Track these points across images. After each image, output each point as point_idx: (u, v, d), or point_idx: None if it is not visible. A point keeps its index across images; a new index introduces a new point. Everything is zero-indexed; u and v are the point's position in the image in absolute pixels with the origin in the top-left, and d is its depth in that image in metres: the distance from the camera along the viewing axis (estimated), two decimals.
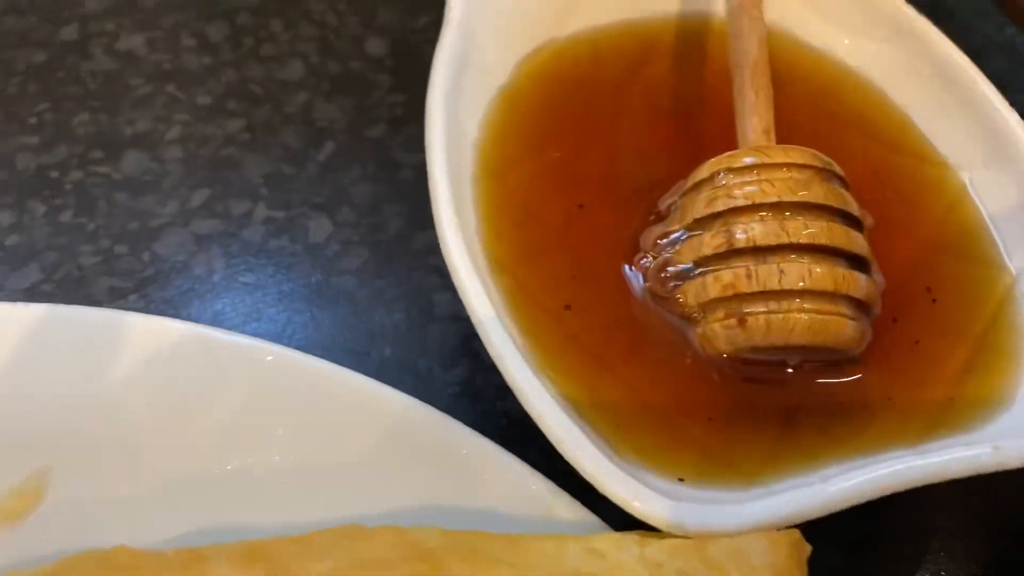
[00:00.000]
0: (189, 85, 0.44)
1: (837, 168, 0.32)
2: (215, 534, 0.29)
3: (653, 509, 0.25)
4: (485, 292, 0.29)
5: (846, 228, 0.31)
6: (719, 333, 0.30)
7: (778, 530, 0.25)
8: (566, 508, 0.28)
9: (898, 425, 0.29)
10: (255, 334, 0.36)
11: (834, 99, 0.38)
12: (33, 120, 0.43)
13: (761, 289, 0.30)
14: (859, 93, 0.38)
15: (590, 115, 0.38)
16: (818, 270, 0.30)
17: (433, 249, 0.39)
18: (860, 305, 0.30)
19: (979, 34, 0.48)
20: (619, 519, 0.27)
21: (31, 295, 0.37)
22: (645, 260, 0.33)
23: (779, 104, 0.34)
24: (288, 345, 0.35)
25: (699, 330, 0.31)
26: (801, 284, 0.29)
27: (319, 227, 0.40)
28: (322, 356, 0.35)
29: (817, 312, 0.29)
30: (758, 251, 0.30)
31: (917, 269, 0.33)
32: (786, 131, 0.34)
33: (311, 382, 0.30)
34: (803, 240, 0.30)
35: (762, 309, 0.30)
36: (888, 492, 0.26)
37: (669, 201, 0.34)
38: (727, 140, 0.34)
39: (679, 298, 0.31)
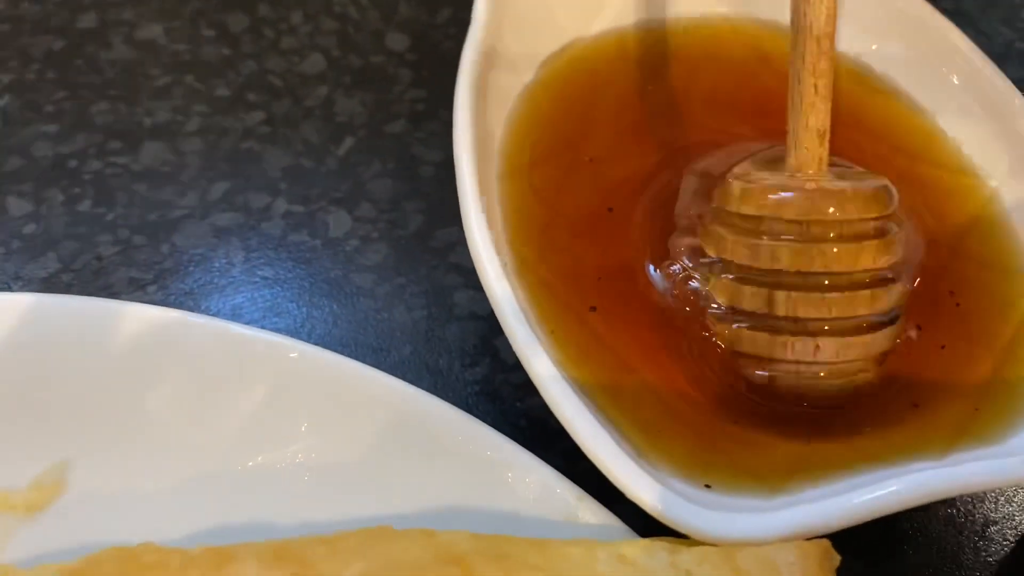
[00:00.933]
0: (208, 76, 0.44)
1: (894, 204, 0.31)
2: (236, 531, 0.29)
3: (682, 516, 0.25)
4: (511, 291, 0.29)
5: (888, 290, 0.30)
6: (747, 376, 0.31)
7: (807, 539, 0.25)
8: (590, 512, 0.27)
9: (923, 434, 0.29)
10: (275, 328, 0.36)
11: (860, 105, 0.38)
12: (51, 108, 0.42)
13: (796, 359, 0.30)
14: (885, 99, 0.38)
15: (616, 116, 0.37)
16: (851, 344, 0.30)
17: (453, 246, 0.39)
18: (882, 357, 0.31)
19: (1000, 40, 0.48)
20: (641, 524, 0.27)
21: (49, 285, 0.37)
22: (675, 268, 0.32)
23: None
24: (307, 340, 0.35)
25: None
26: (833, 358, 0.30)
27: (338, 222, 0.40)
28: (341, 353, 0.35)
29: (846, 378, 0.30)
30: (796, 320, 0.30)
31: (942, 276, 0.33)
32: None
33: (335, 379, 0.29)
34: (845, 315, 0.30)
35: (792, 371, 0.30)
36: (915, 504, 0.26)
37: (695, 212, 0.33)
38: (759, 140, 0.34)
39: (709, 325, 0.32)
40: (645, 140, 0.37)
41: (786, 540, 0.25)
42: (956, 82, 0.36)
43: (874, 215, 0.30)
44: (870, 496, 0.26)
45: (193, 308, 0.37)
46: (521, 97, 0.36)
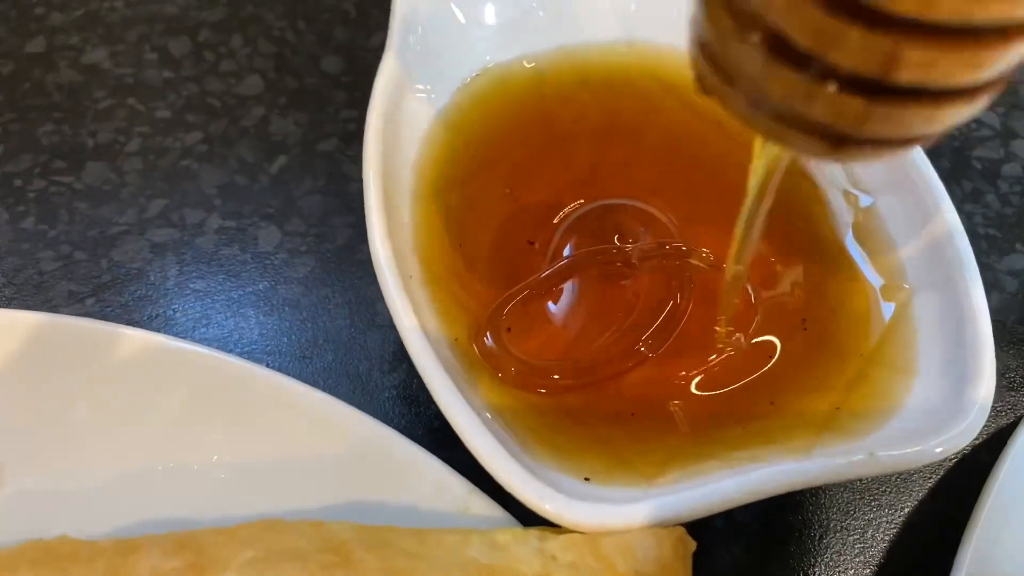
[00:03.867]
0: (150, 98, 0.46)
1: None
2: (155, 526, 0.31)
3: (552, 506, 0.27)
4: (411, 304, 0.31)
5: None
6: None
7: (665, 527, 0.27)
8: (481, 506, 0.30)
9: (787, 430, 0.32)
10: (204, 338, 0.39)
11: None
12: None
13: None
14: None
15: (530, 140, 0.40)
16: None
17: None
18: None
19: None
20: (531, 516, 0.29)
21: None
22: None
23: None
24: (235, 349, 0.38)
25: None
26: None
27: (268, 236, 0.42)
28: (266, 360, 0.38)
29: None
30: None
31: (807, 292, 0.36)
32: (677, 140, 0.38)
33: (248, 386, 0.32)
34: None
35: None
36: (770, 495, 0.28)
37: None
38: (671, 165, 0.36)
39: None
40: (559, 166, 0.40)
41: (648, 527, 0.27)
42: None
43: None
44: (728, 486, 0.28)
45: (128, 320, 0.39)
46: (437, 120, 0.39)
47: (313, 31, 0.50)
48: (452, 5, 0.40)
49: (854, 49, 0.18)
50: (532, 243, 0.37)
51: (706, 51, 0.21)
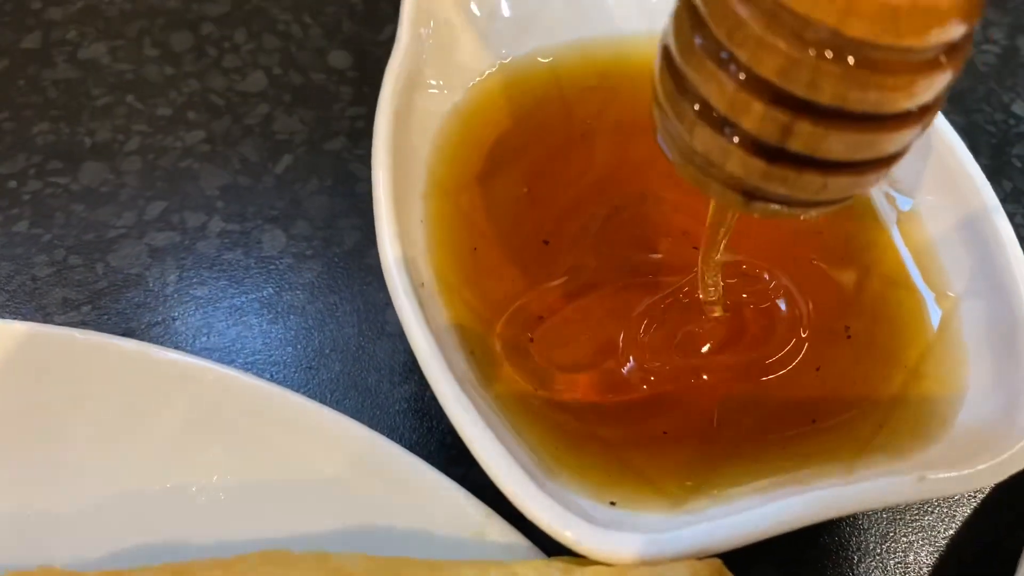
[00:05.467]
0: (150, 96, 0.44)
1: None
2: (152, 551, 0.29)
3: (577, 535, 0.25)
4: (423, 313, 0.29)
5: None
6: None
7: (699, 559, 0.25)
8: (499, 531, 0.28)
9: (827, 448, 0.29)
10: (205, 348, 0.37)
11: None
12: None
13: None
14: None
15: (548, 137, 0.38)
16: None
17: None
18: None
19: None
20: (552, 543, 0.27)
21: None
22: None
23: None
24: (237, 360, 0.36)
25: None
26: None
27: (273, 240, 0.40)
28: (271, 371, 0.36)
29: None
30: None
31: (848, 298, 0.33)
32: None
33: (250, 402, 0.30)
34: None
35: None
36: (812, 522, 0.26)
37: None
38: None
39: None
40: (578, 164, 0.38)
41: (680, 559, 0.25)
42: None
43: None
44: (769, 514, 0.26)
45: (125, 328, 0.37)
46: (450, 117, 0.37)
47: (320, 24, 0.48)
48: None
49: (757, 119, 0.22)
50: (546, 242, 0.35)
51: (655, 105, 0.25)
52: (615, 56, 0.40)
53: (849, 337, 0.32)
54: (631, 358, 0.32)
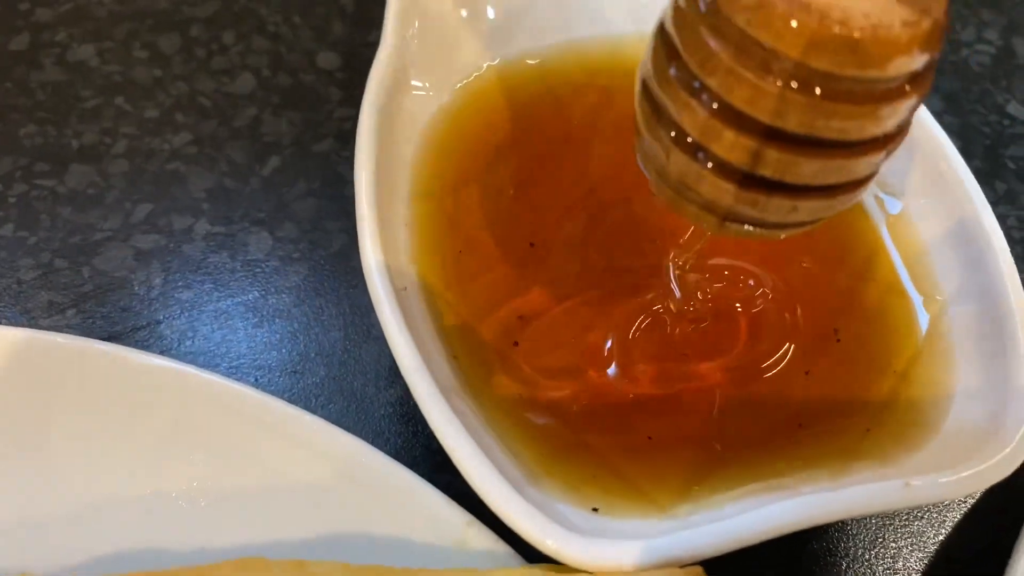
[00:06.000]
0: (138, 98, 0.44)
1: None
2: (131, 558, 0.29)
3: (557, 543, 0.25)
4: (404, 317, 0.29)
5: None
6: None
7: (682, 566, 0.25)
8: (480, 539, 0.28)
9: (813, 456, 0.29)
10: (189, 352, 0.36)
11: None
12: None
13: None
14: None
15: (536, 139, 0.37)
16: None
17: None
18: None
19: None
20: (535, 550, 0.27)
21: None
22: None
23: None
24: (221, 364, 0.36)
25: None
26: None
27: (259, 243, 0.40)
28: (255, 376, 0.36)
29: None
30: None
31: (836, 301, 0.33)
32: None
33: (231, 408, 0.30)
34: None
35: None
36: (798, 528, 0.26)
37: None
38: None
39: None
40: (566, 166, 0.37)
41: (665, 565, 0.25)
42: None
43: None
44: (753, 520, 0.26)
45: (110, 332, 0.37)
46: (435, 119, 0.36)
47: (309, 26, 0.47)
48: None
49: (728, 145, 0.23)
50: (533, 245, 0.35)
51: (635, 130, 0.26)
52: (604, 57, 0.40)
53: (839, 341, 0.32)
54: (617, 363, 0.32)
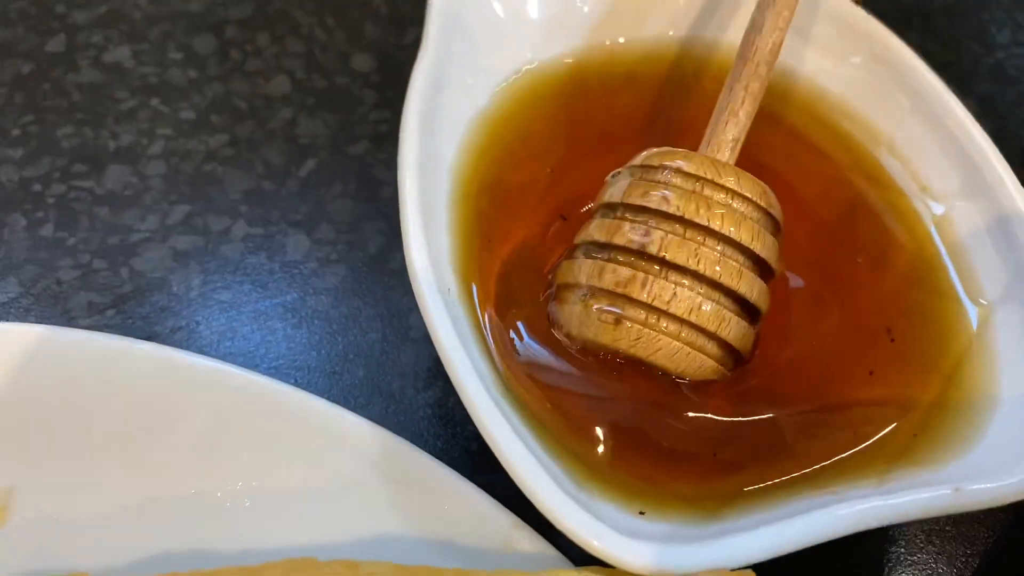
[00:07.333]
0: (174, 99, 0.44)
1: (777, 212, 0.32)
2: (175, 559, 0.29)
3: (607, 545, 0.25)
4: (449, 316, 0.29)
5: (754, 277, 0.31)
6: (590, 320, 0.31)
7: (732, 570, 0.25)
8: (526, 541, 0.28)
9: (862, 459, 0.29)
10: (229, 352, 0.37)
11: (817, 124, 0.38)
12: (17, 132, 0.43)
13: (649, 302, 0.30)
14: (841, 119, 0.38)
15: (570, 138, 0.38)
16: (706, 306, 0.30)
17: None
18: (729, 348, 0.31)
19: (969, 56, 0.48)
20: (579, 553, 0.27)
21: (8, 309, 0.38)
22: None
23: (755, 124, 0.34)
24: (260, 364, 0.36)
25: (571, 306, 0.31)
26: (686, 314, 0.30)
27: (297, 244, 0.40)
28: (294, 376, 0.36)
29: (686, 344, 0.30)
30: (664, 264, 0.30)
31: (886, 301, 0.33)
32: (765, 150, 0.35)
33: (274, 407, 0.30)
34: (708, 274, 0.30)
35: (640, 318, 0.30)
36: (845, 534, 0.26)
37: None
38: None
39: (567, 264, 0.32)
40: (601, 165, 0.37)
41: (714, 570, 0.25)
42: (908, 105, 0.36)
43: (762, 204, 0.31)
44: (803, 525, 0.26)
45: (149, 332, 0.37)
46: (474, 122, 0.36)
47: (343, 28, 0.47)
48: (493, 1, 0.37)
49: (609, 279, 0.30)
50: (564, 218, 0.35)
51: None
52: (642, 59, 0.40)
53: (892, 340, 0.32)
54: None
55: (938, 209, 0.34)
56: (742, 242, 0.30)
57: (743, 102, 0.33)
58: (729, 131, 0.33)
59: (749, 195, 0.31)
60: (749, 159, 0.34)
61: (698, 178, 0.31)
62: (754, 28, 0.34)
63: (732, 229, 0.30)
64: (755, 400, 0.31)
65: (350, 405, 0.35)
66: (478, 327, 0.31)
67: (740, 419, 0.31)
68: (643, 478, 0.29)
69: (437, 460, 0.29)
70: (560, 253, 0.34)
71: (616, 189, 0.32)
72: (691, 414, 0.31)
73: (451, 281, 0.32)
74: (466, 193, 0.35)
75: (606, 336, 0.30)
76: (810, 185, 0.36)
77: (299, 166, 0.42)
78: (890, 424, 0.30)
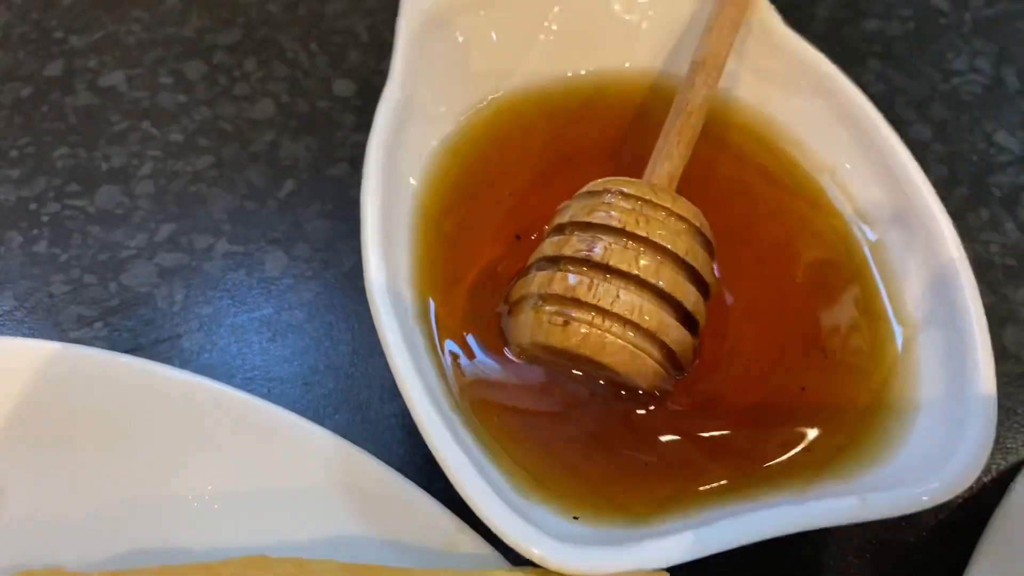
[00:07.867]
0: (163, 122, 0.47)
1: (709, 233, 0.35)
2: (149, 553, 0.31)
3: (534, 546, 0.27)
4: (403, 334, 0.31)
5: (690, 286, 0.33)
6: (541, 323, 0.33)
7: (649, 571, 0.27)
8: (469, 543, 0.30)
9: (787, 471, 0.31)
10: (207, 363, 0.39)
11: (763, 149, 0.40)
12: (15, 153, 0.45)
13: (595, 303, 0.32)
14: (786, 145, 0.40)
15: (534, 167, 0.40)
16: (648, 308, 0.32)
17: None
18: (670, 354, 0.33)
19: (926, 82, 0.50)
20: (519, 556, 0.29)
21: (3, 321, 0.40)
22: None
23: (707, 151, 0.37)
24: (237, 376, 0.38)
25: (524, 315, 0.33)
26: (629, 314, 0.32)
27: (275, 261, 0.42)
28: (268, 387, 0.38)
29: (631, 344, 0.32)
30: (608, 271, 0.32)
31: (822, 320, 0.35)
32: (711, 178, 0.38)
33: (244, 419, 0.32)
34: (649, 279, 0.32)
35: (587, 319, 0.32)
36: (764, 538, 0.28)
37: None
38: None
39: (521, 281, 0.35)
40: (559, 187, 0.39)
41: (636, 571, 0.27)
42: (848, 136, 0.38)
43: (696, 223, 0.34)
44: (718, 529, 0.28)
45: (134, 344, 0.40)
46: (439, 150, 0.39)
47: (326, 53, 0.50)
48: (457, 33, 0.40)
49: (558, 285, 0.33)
50: (518, 237, 0.38)
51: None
52: (603, 88, 0.42)
53: (826, 357, 0.34)
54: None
55: (872, 235, 0.37)
56: (678, 253, 0.33)
57: (677, 145, 0.36)
58: (665, 168, 0.36)
59: (684, 214, 0.34)
60: (696, 179, 0.37)
61: (638, 199, 0.34)
62: (687, 85, 0.38)
63: (669, 242, 0.33)
64: (691, 412, 0.34)
65: (320, 415, 0.38)
66: (433, 347, 0.34)
67: (675, 430, 0.33)
68: (581, 486, 0.31)
69: (391, 468, 0.31)
70: (517, 274, 0.36)
71: (565, 213, 0.35)
72: (629, 426, 0.33)
73: (409, 300, 0.34)
74: (429, 216, 0.37)
75: (556, 337, 0.32)
76: (755, 206, 0.38)
77: (280, 187, 0.45)
78: (817, 437, 0.32)
